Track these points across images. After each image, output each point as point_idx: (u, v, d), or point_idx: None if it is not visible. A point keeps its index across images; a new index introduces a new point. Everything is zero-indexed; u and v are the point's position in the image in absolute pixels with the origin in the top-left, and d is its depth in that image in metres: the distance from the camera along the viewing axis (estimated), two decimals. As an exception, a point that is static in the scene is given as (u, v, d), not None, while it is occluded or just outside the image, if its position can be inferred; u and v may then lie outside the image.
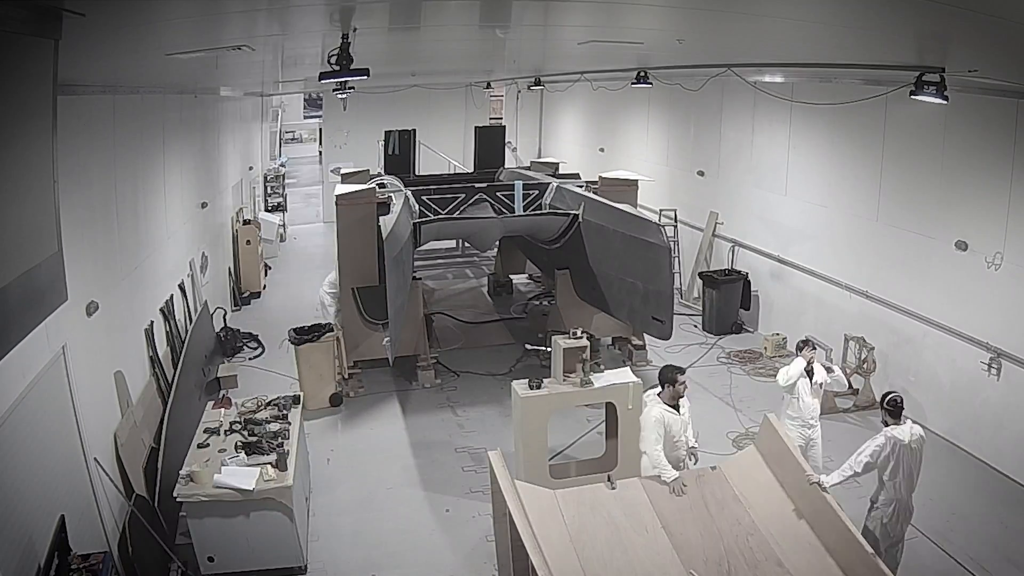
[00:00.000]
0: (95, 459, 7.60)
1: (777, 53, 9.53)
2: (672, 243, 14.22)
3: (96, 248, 8.62)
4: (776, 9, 5.80)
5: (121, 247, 9.70)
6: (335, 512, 9.45)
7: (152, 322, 10.61)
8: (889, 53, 7.68)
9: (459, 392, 12.73)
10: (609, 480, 7.61)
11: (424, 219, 12.27)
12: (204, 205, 14.78)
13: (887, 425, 7.43)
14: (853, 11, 5.38)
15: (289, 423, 9.06)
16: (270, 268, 20.19)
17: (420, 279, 13.50)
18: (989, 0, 4.38)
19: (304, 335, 11.93)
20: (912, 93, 8.40)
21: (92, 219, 8.53)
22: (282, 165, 24.83)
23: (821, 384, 9.10)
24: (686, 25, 7.42)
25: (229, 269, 17.18)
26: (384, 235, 10.02)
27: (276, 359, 14.09)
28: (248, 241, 18.00)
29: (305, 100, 37.77)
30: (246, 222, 18.49)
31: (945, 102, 8.33)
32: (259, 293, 18.38)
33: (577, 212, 12.48)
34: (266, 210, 23.28)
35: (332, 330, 12.08)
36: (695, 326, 15.58)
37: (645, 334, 13.15)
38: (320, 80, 7.58)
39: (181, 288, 12.33)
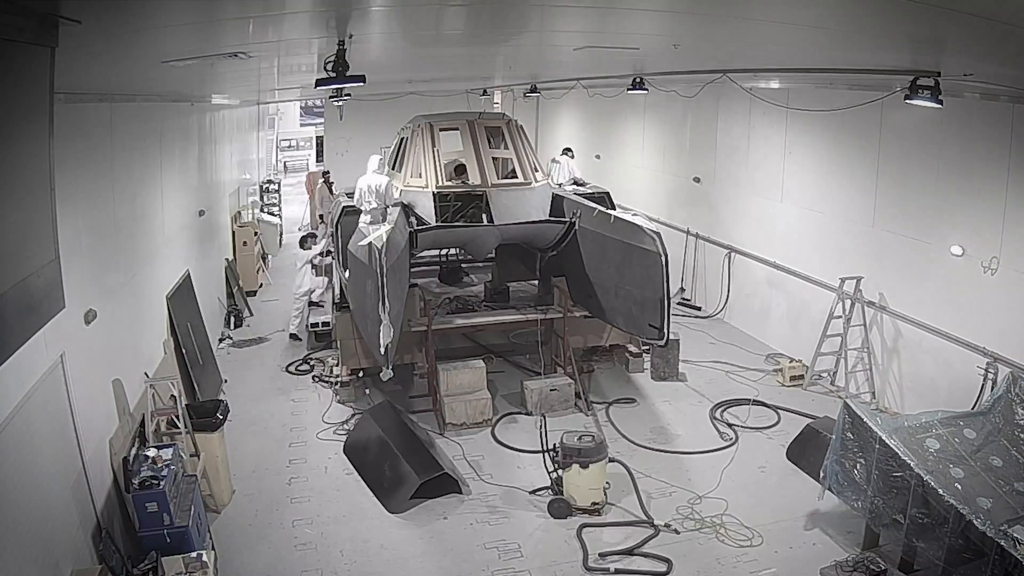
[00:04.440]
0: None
1: (772, 58, 9.57)
2: None
3: (94, 256, 8.61)
4: (771, 13, 5.82)
5: (119, 255, 9.69)
6: (330, 521, 9.43)
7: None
8: (884, 57, 7.72)
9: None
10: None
11: (421, 227, 12.26)
12: (202, 213, 14.78)
13: None
14: (848, 15, 5.40)
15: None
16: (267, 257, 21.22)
17: (417, 286, 13.48)
18: (984, 3, 4.40)
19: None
20: (907, 97, 8.44)
21: (90, 227, 8.52)
22: (270, 181, 24.95)
23: None
24: (682, 30, 7.44)
25: (226, 273, 17.17)
26: (381, 244, 10.01)
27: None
28: (245, 242, 18.50)
29: (302, 108, 37.84)
30: (243, 225, 18.84)
31: (940, 106, 8.37)
32: (255, 291, 18.79)
33: (573, 220, 12.48)
34: (262, 211, 23.49)
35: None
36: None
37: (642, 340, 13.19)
38: (316, 87, 7.61)
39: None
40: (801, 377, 13.21)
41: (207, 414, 9.83)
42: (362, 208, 12.44)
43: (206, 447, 9.55)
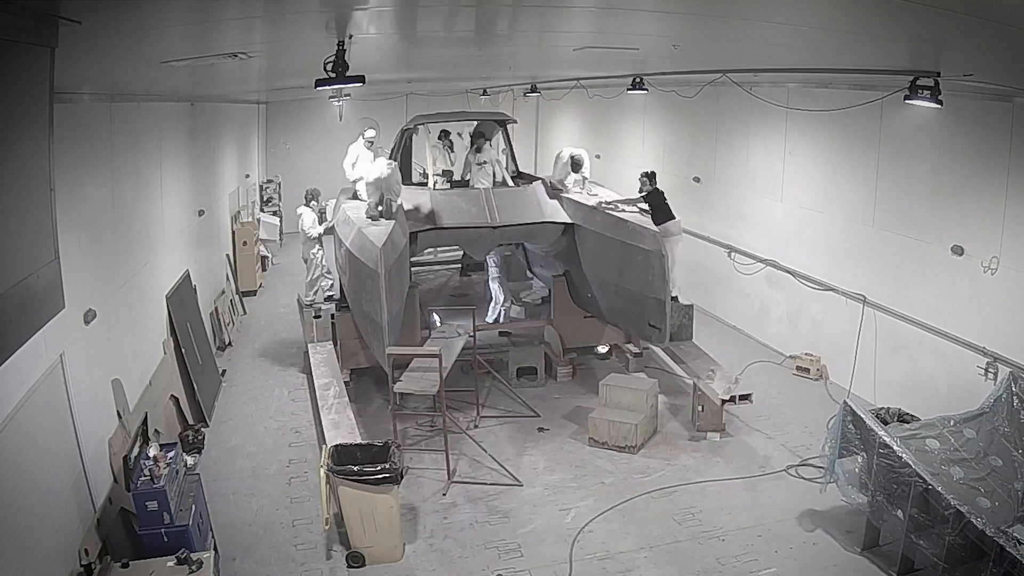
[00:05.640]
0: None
1: (772, 58, 9.56)
2: None
3: (94, 256, 8.61)
4: (771, 14, 5.82)
5: (119, 255, 9.70)
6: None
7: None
8: (884, 58, 7.72)
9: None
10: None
11: (420, 227, 12.28)
12: (202, 213, 14.79)
13: None
14: (848, 15, 5.40)
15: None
16: (268, 259, 21.16)
17: (417, 286, 13.50)
18: (984, 3, 4.40)
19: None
20: (907, 98, 8.44)
21: (89, 227, 8.52)
22: (270, 180, 24.90)
23: None
24: (681, 30, 7.44)
25: (226, 274, 17.19)
26: (381, 244, 10.04)
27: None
28: (244, 242, 18.49)
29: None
30: (243, 225, 18.93)
31: (939, 106, 8.37)
32: (255, 292, 18.83)
33: (573, 220, 12.49)
34: (262, 211, 23.47)
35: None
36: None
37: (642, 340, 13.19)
38: (316, 87, 7.60)
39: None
40: (807, 370, 13.35)
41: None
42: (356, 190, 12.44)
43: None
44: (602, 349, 13.86)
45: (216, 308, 15.12)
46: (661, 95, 15.83)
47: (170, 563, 7.01)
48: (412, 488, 10.03)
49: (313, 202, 14.64)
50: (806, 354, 13.58)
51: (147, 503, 7.55)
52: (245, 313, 17.27)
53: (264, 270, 20.43)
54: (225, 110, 18.33)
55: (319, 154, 25.27)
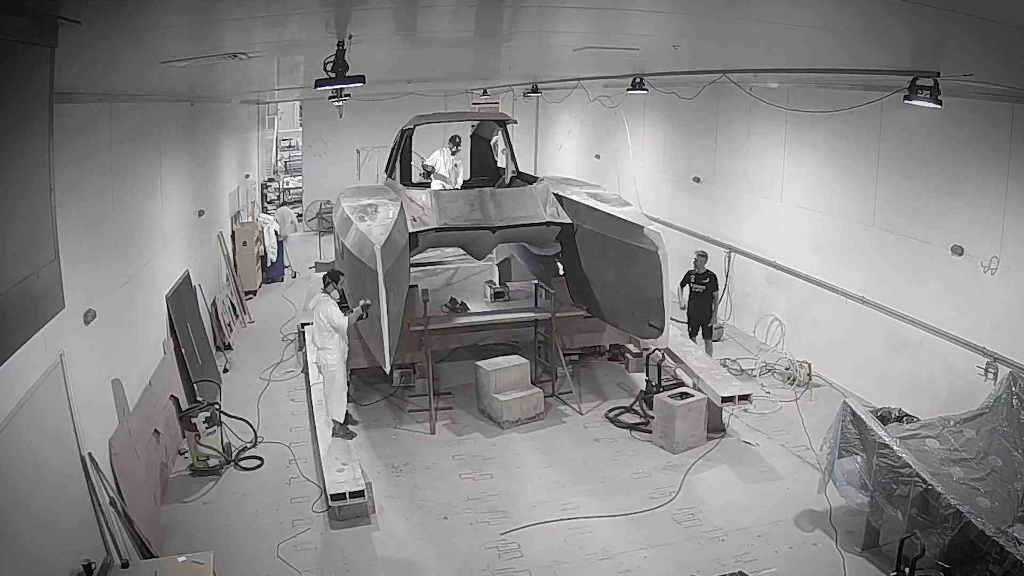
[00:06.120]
0: (89, 454, 7.58)
1: (772, 58, 9.56)
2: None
3: (94, 256, 8.61)
4: (770, 14, 5.82)
5: (119, 255, 9.69)
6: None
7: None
8: (884, 58, 7.72)
9: (454, 400, 12.72)
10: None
11: (420, 228, 12.25)
12: (201, 213, 14.78)
13: None
14: (848, 16, 5.40)
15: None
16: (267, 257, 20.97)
17: (418, 286, 13.47)
18: (984, 4, 4.40)
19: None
20: (906, 98, 8.44)
21: (89, 227, 8.52)
22: (271, 180, 24.95)
23: None
24: (681, 30, 7.44)
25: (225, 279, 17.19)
26: (381, 244, 10.02)
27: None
28: (244, 242, 18.45)
29: (301, 108, 37.78)
30: (243, 225, 18.95)
31: (939, 106, 8.37)
32: (254, 291, 18.89)
33: (572, 220, 12.47)
34: (263, 211, 23.46)
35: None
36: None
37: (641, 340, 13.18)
38: (316, 87, 7.61)
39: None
40: (806, 370, 13.33)
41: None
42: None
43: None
44: None
45: (216, 308, 15.11)
46: (662, 96, 15.83)
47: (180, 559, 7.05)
48: (414, 493, 10.09)
49: (332, 285, 11.02)
50: (805, 355, 13.56)
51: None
52: (246, 313, 17.25)
53: (264, 270, 20.36)
54: (225, 110, 18.33)
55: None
